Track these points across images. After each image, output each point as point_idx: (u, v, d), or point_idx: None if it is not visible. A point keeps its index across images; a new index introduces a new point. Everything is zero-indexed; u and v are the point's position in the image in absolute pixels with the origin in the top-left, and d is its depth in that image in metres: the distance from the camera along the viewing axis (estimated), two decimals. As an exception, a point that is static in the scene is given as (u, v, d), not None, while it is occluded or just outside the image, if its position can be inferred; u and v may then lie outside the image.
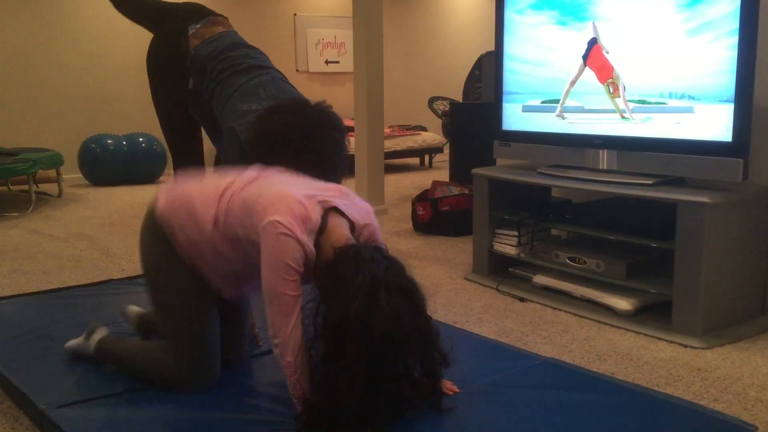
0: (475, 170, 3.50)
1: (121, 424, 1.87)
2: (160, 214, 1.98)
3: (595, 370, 2.31)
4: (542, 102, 3.28)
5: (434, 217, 4.51)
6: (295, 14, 8.31)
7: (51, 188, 6.28)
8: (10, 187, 6.26)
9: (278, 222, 1.73)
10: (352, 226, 1.85)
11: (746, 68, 2.53)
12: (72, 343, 2.28)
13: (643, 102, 2.87)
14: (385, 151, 5.40)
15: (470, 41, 9.22)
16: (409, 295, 1.71)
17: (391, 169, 7.40)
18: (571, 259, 3.08)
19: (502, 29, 3.41)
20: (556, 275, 3.18)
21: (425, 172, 7.66)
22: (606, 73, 2.99)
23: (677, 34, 2.73)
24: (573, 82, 3.12)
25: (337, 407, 1.66)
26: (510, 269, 3.44)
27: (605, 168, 3.00)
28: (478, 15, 9.50)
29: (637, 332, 2.71)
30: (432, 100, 7.99)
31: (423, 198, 4.62)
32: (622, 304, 2.85)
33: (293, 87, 2.88)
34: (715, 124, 2.64)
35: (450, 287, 3.37)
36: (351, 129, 4.59)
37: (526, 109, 3.36)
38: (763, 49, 2.60)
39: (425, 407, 1.83)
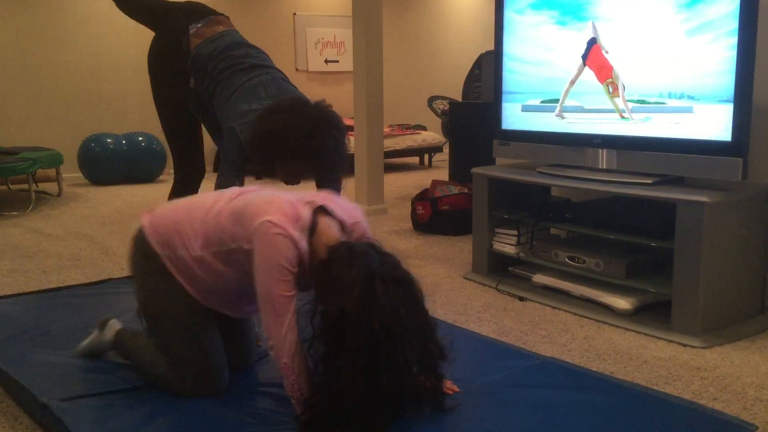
0: (474, 169, 3.51)
1: (122, 419, 1.88)
2: (147, 238, 1.97)
3: (594, 369, 2.31)
4: (542, 102, 3.28)
5: (434, 216, 4.51)
6: (294, 13, 8.30)
7: (51, 187, 6.27)
8: (10, 186, 6.25)
9: (270, 222, 1.74)
10: (342, 226, 1.86)
11: (745, 68, 2.54)
12: (84, 342, 2.27)
13: (642, 102, 2.87)
14: (385, 150, 5.41)
15: (470, 41, 9.21)
16: (406, 286, 1.71)
17: (390, 168, 7.39)
18: (571, 259, 3.08)
19: (502, 29, 3.41)
20: (555, 274, 3.18)
21: (425, 172, 7.66)
22: (605, 73, 2.99)
23: (677, 34, 2.73)
24: (572, 82, 3.13)
25: (337, 406, 1.66)
26: (509, 268, 3.44)
27: (605, 167, 3.00)
28: (477, 15, 9.50)
29: (636, 331, 2.71)
30: (431, 100, 7.97)
31: (422, 197, 4.62)
32: (622, 303, 2.86)
33: (294, 86, 2.88)
34: (714, 123, 2.64)
35: (449, 286, 3.37)
36: (350, 128, 4.60)
37: (526, 108, 3.36)
38: (762, 48, 2.60)
39: (426, 407, 1.84)
